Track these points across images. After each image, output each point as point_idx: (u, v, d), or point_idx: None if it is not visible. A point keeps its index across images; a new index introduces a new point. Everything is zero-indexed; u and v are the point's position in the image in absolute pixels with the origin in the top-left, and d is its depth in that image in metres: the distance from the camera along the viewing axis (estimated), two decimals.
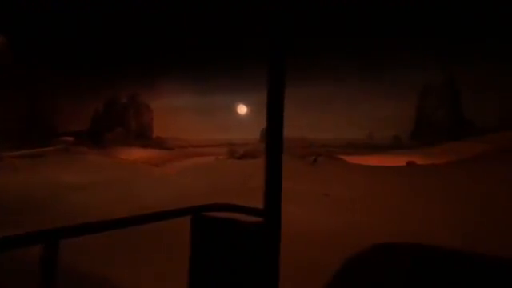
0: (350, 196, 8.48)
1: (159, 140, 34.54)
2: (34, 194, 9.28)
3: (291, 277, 2.40)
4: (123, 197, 8.92)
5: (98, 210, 7.33)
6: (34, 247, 1.08)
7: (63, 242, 1.12)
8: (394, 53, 25.49)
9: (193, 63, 35.87)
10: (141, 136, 34.07)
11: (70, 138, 24.14)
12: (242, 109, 31.18)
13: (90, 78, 34.58)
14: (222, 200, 1.65)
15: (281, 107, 1.19)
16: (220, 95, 34.80)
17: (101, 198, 8.82)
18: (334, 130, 28.63)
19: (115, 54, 35.55)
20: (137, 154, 24.24)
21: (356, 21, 27.71)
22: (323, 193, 8.65)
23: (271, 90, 1.19)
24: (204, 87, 36.61)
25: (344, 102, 31.07)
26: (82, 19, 30.43)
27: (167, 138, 34.93)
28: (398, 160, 16.25)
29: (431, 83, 23.45)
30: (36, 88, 21.42)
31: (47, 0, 22.51)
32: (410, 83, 24.68)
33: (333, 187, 9.45)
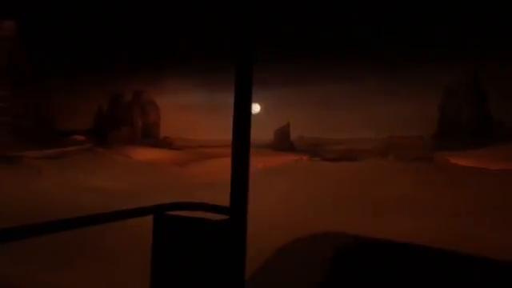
0: None
1: (167, 140, 33.19)
2: (79, 202, 8.03)
3: None
4: None
5: None
6: None
7: None
8: (415, 51, 25.15)
9: (201, 59, 34.64)
10: (147, 135, 32.59)
11: (82, 137, 22.61)
12: (254, 107, 30.18)
13: (91, 74, 32.90)
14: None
15: (248, 104, 1.22)
16: (230, 92, 33.78)
17: None
18: (350, 130, 28.06)
19: (119, 49, 33.99)
20: (149, 154, 22.89)
21: (375, 18, 27.27)
22: None
23: (239, 88, 1.21)
24: (213, 84, 35.41)
25: (360, 101, 30.61)
26: (85, 11, 28.85)
27: (175, 138, 33.60)
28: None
29: (456, 82, 23.12)
30: (44, 83, 19.79)
31: None
32: (431, 82, 24.38)
33: None
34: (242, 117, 1.22)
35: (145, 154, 21.30)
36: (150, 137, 32.49)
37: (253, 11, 1.22)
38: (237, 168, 1.21)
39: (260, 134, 31.17)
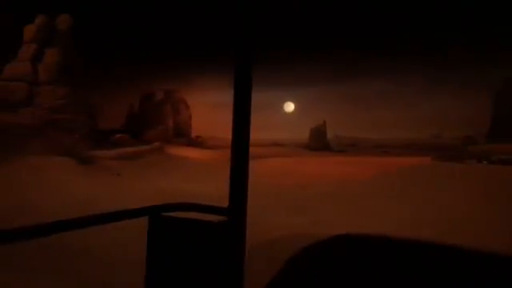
0: None
1: (199, 139, 32.59)
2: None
3: None
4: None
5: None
6: None
7: None
8: (465, 48, 24.42)
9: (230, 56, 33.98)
10: (179, 134, 31.97)
11: (125, 136, 21.99)
12: (289, 106, 29.43)
13: (123, 72, 32.36)
14: None
15: (248, 104, 1.21)
16: (263, 92, 33.06)
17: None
18: (393, 129, 27.36)
19: (151, 48, 33.43)
20: (191, 153, 22.19)
21: (420, 15, 26.55)
22: None
23: (238, 88, 1.21)
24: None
25: (400, 99, 29.91)
26: (117, 10, 28.31)
27: (206, 137, 33.01)
28: None
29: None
30: (89, 80, 19.16)
31: None
32: (482, 81, 23.67)
33: None
34: (241, 117, 1.20)
35: (192, 154, 20.63)
36: (182, 136, 31.85)
37: (251, 9, 1.19)
38: (236, 168, 1.20)
39: (293, 133, 30.47)
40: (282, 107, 30.72)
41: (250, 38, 1.20)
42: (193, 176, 11.68)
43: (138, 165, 11.79)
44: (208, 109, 37.61)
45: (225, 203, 1.33)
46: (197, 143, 31.03)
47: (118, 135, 20.66)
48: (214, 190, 10.03)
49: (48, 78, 15.17)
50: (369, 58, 28.39)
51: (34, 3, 18.44)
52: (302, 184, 11.05)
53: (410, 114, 28.17)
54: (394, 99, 29.89)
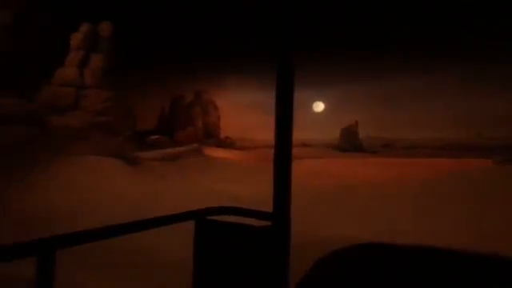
0: None
1: (228, 140, 32.93)
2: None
3: None
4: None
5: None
6: None
7: None
8: (495, 43, 22.89)
9: (263, 56, 33.99)
10: (208, 135, 32.50)
11: (161, 138, 22.68)
12: (318, 106, 28.96)
13: (154, 74, 33.29)
14: None
15: (290, 109, 1.20)
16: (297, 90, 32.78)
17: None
18: (429, 129, 26.18)
19: (181, 49, 34.18)
20: (225, 154, 22.46)
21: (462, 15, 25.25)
22: None
23: (280, 92, 1.18)
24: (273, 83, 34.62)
25: (436, 97, 28.59)
26: (146, 12, 29.06)
27: (235, 138, 33.31)
28: None
29: None
30: (127, 83, 19.94)
31: None
32: None
33: None
34: (284, 119, 1.18)
35: (226, 155, 20.88)
36: (211, 137, 32.37)
37: (291, 12, 1.14)
38: (279, 172, 1.17)
39: (322, 133, 29.98)
40: (310, 107, 30.34)
41: (292, 39, 1.15)
42: (233, 177, 11.83)
43: (179, 166, 12.13)
44: (234, 109, 37.91)
45: (267, 206, 1.35)
46: (226, 144, 31.42)
47: (154, 136, 21.37)
48: (256, 191, 10.10)
49: (93, 83, 16.00)
50: (406, 57, 27.40)
51: (75, 12, 19.54)
52: (346, 185, 10.86)
53: (447, 114, 26.86)
54: (430, 98, 28.66)
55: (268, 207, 1.35)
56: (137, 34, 28.33)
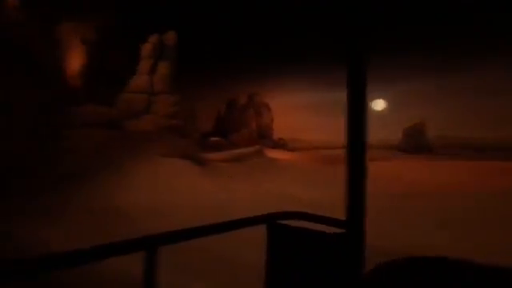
0: None
1: (281, 141, 32.79)
2: None
3: None
4: None
5: None
6: None
7: None
8: None
9: (315, 56, 33.17)
10: (261, 137, 32.71)
11: (222, 140, 23.41)
12: (379, 104, 27.11)
13: (208, 77, 34.49)
14: None
15: (363, 108, 1.13)
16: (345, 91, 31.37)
17: None
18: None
19: (234, 52, 34.94)
20: (283, 155, 22.28)
21: None
22: None
23: (352, 92, 1.12)
24: (327, 83, 33.62)
25: None
26: (198, 17, 30.04)
27: (288, 139, 33.02)
28: None
29: None
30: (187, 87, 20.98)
31: None
32: None
33: None
34: (357, 124, 1.11)
35: (285, 156, 20.74)
36: (264, 138, 32.56)
37: (368, 9, 1.11)
38: (352, 176, 1.11)
39: (380, 133, 28.07)
40: (370, 105, 28.66)
41: (365, 36, 1.10)
42: (298, 179, 11.62)
43: (245, 167, 12.30)
44: (289, 111, 37.63)
45: (337, 211, 1.30)
46: (279, 145, 31.37)
47: (214, 138, 22.15)
48: (321, 194, 9.74)
49: (162, 89, 17.15)
50: (477, 45, 24.41)
51: (140, 23, 21.23)
52: (419, 193, 9.91)
53: None
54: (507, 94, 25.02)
55: (337, 212, 1.33)
56: (188, 37, 29.85)
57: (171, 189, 9.63)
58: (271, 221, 1.40)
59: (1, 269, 0.89)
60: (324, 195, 9.85)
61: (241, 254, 4.90)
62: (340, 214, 1.29)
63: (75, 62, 16.85)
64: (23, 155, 11.51)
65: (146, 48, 18.17)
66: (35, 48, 14.66)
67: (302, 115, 36.28)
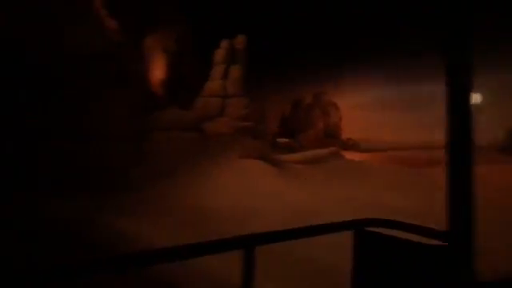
0: None
1: (350, 141, 31.03)
2: None
3: None
4: None
5: None
6: None
7: None
8: None
9: (385, 52, 30.57)
10: (329, 137, 31.40)
11: (291, 141, 23.13)
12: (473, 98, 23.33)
13: (272, 77, 34.39)
14: None
15: (467, 102, 1.03)
16: (428, 84, 28.07)
17: None
18: None
19: (299, 51, 34.30)
20: (358, 157, 20.85)
21: None
22: None
23: (453, 81, 1.03)
24: (399, 79, 30.64)
25: None
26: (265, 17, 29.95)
27: (358, 140, 31.07)
28: None
29: None
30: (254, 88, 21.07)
31: None
32: None
33: None
34: (461, 122, 1.00)
35: (360, 157, 19.43)
36: (332, 138, 31.23)
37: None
38: (455, 181, 1.00)
39: (480, 132, 24.35)
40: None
41: (471, 25, 0.97)
42: (385, 184, 10.60)
43: (322, 169, 11.75)
44: (358, 109, 35.55)
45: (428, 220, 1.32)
46: (348, 146, 29.74)
47: (283, 140, 21.96)
48: (415, 202, 8.63)
49: (234, 92, 17.60)
50: None
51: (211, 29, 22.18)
52: None
53: None
54: None
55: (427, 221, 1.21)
56: (254, 38, 30.20)
57: (253, 191, 9.63)
58: (359, 227, 1.34)
59: (112, 263, 0.94)
60: (419, 203, 8.76)
61: (316, 256, 4.75)
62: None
63: (158, 70, 18.37)
64: (116, 155, 12.87)
65: (219, 54, 18.86)
66: (125, 59, 16.34)
67: (373, 113, 33.84)
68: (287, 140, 22.04)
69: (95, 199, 9.36)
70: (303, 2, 30.32)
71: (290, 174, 11.11)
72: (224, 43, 19.19)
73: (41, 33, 12.33)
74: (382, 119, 32.38)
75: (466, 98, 1.03)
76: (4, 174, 10.36)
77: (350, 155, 20.62)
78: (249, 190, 9.83)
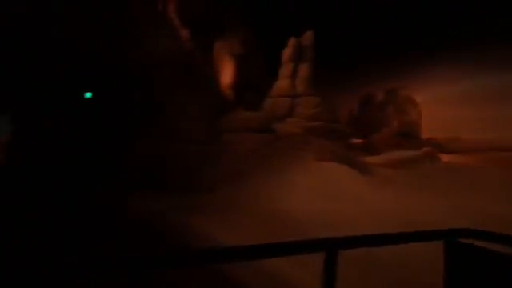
0: None
1: (432, 141, 27.38)
2: None
3: None
4: None
5: None
6: None
7: None
8: None
9: (473, 39, 26.22)
10: (406, 136, 28.21)
11: (363, 141, 21.38)
12: None
13: (338, 75, 32.51)
14: None
15: None
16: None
17: None
18: None
19: (369, 48, 31.86)
20: (455, 159, 17.97)
21: None
22: None
23: None
24: (493, 67, 25.95)
25: None
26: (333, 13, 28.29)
27: (443, 139, 27.21)
28: None
29: None
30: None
31: None
32: None
33: None
34: None
35: (458, 160, 16.75)
36: (409, 138, 28.00)
37: None
38: None
39: None
40: None
41: None
42: (496, 193, 8.60)
43: (416, 174, 10.13)
44: (435, 105, 31.44)
45: None
46: (430, 146, 26.26)
47: (356, 140, 20.31)
48: None
49: (303, 91, 16.80)
50: None
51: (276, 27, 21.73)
52: None
53: None
54: None
55: None
56: (321, 35, 28.78)
57: (334, 196, 8.71)
58: (451, 238, 1.24)
59: (186, 259, 1.01)
60: None
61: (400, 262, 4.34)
62: None
63: (226, 73, 18.64)
64: (190, 157, 13.20)
65: (286, 52, 18.31)
66: (197, 64, 16.90)
67: (458, 109, 29.50)
68: (361, 140, 20.31)
69: (172, 199, 9.58)
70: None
71: (377, 179, 9.83)
72: (291, 41, 18.58)
73: (126, 44, 13.40)
74: (472, 115, 27.94)
75: None
76: (90, 172, 11.37)
77: (455, 158, 17.83)
78: (329, 194, 8.91)
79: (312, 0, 26.37)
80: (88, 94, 13.45)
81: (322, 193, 9.09)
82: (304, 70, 17.47)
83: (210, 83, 16.64)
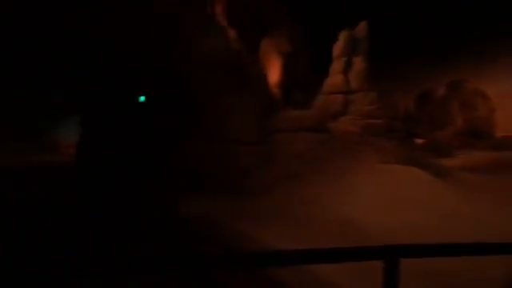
0: None
1: (509, 139, 23.86)
2: None
3: None
4: None
5: None
6: None
7: None
8: None
9: None
10: (473, 135, 25.00)
11: (422, 140, 19.33)
12: None
13: (384, 67, 29.93)
14: None
15: None
16: None
17: None
18: None
19: (427, 40, 29.03)
20: None
21: None
22: None
23: None
24: None
25: None
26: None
27: None
28: None
29: None
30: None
31: None
32: None
33: None
34: None
35: None
36: (477, 136, 24.76)
37: None
38: None
39: None
40: None
41: None
42: None
43: (510, 179, 8.47)
44: (508, 99, 27.51)
45: None
46: (504, 146, 22.89)
47: (419, 140, 18.37)
48: None
49: (358, 86, 15.56)
50: None
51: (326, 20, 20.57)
52: None
53: None
54: None
55: None
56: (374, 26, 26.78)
57: (413, 205, 7.52)
58: None
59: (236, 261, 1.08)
60: None
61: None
62: None
63: (274, 72, 18.08)
64: (241, 158, 12.84)
65: (338, 46, 17.18)
66: (245, 64, 16.58)
67: None
68: (423, 140, 18.32)
69: (222, 201, 9.28)
70: None
71: (462, 186, 8.39)
72: (342, 34, 17.39)
73: (178, 47, 13.53)
74: None
75: None
76: (144, 172, 11.52)
77: None
78: (404, 202, 7.75)
79: None
80: (142, 98, 13.83)
81: (394, 200, 7.97)
82: (358, 63, 16.19)
83: (259, 82, 16.22)
